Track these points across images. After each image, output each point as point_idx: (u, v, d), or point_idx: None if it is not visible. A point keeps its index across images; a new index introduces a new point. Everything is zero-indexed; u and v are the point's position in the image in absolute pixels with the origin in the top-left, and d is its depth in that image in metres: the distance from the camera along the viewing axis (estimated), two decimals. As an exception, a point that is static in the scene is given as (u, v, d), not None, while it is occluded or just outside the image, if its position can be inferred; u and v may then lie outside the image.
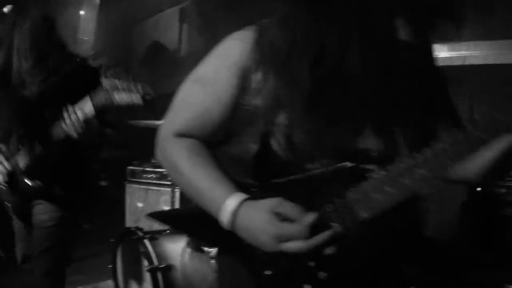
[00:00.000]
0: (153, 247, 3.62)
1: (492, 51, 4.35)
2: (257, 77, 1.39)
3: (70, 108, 2.56)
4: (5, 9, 3.04)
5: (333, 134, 1.33)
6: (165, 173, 5.22)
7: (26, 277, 3.14)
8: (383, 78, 1.31)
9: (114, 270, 4.09)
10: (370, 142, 1.37)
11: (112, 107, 2.46)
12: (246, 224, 1.28)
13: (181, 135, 1.48)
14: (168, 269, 3.46)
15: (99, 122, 2.79)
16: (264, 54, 1.38)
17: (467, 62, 4.34)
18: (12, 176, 2.98)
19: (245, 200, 1.30)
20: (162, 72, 7.24)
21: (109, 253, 4.18)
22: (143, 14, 8.06)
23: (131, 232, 3.87)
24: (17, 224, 3.22)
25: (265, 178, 1.37)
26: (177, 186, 1.36)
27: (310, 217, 1.21)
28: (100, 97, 2.45)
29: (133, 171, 5.95)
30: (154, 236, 3.74)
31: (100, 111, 2.53)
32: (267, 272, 1.34)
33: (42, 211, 3.01)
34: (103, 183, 6.65)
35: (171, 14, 7.79)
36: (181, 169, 1.43)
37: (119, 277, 4.11)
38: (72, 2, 7.62)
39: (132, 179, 5.96)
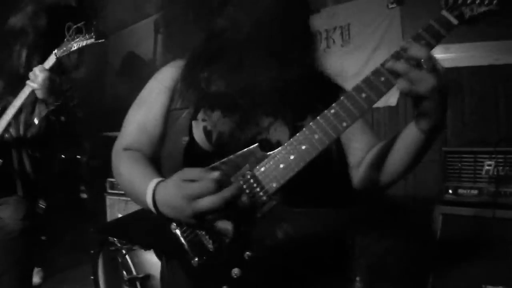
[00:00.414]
0: (131, 257, 3.70)
1: (483, 52, 4.44)
2: (181, 91, 1.69)
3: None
4: None
5: (246, 129, 1.55)
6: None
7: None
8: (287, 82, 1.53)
9: (95, 281, 4.16)
10: (280, 135, 1.56)
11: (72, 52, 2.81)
12: (163, 199, 1.45)
13: (127, 149, 1.74)
14: (146, 279, 3.54)
15: (54, 118, 2.95)
16: (186, 78, 1.70)
17: (458, 64, 4.46)
18: None
19: (161, 181, 1.49)
20: (138, 83, 7.27)
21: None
22: (118, 25, 8.06)
23: (109, 243, 3.95)
24: None
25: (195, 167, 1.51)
26: (120, 188, 1.68)
27: (215, 173, 1.36)
28: (61, 48, 2.78)
29: (112, 183, 5.97)
30: (132, 246, 3.80)
31: (59, 59, 2.83)
32: (194, 261, 1.49)
33: (3, 225, 3.11)
34: (84, 196, 6.71)
35: (146, 25, 7.83)
36: (121, 171, 1.69)
37: (101, 287, 4.17)
38: (48, 10, 7.59)
39: (112, 191, 5.99)
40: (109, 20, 7.20)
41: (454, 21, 1.35)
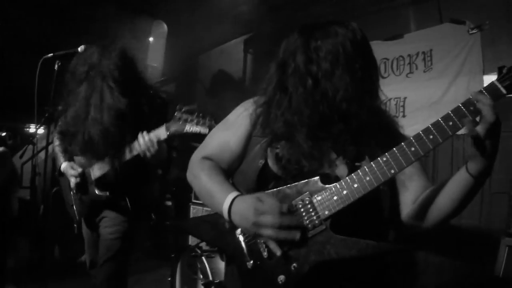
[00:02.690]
0: (209, 264, 3.95)
1: None
2: (262, 123, 1.94)
3: (146, 133, 3.02)
4: (79, 49, 3.47)
5: (313, 163, 1.76)
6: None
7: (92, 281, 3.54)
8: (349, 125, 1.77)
9: (172, 283, 4.42)
10: (340, 171, 1.78)
11: (182, 135, 2.92)
12: (237, 208, 1.73)
13: (207, 158, 2.03)
14: (220, 285, 3.76)
15: (168, 147, 3.21)
16: (268, 113, 1.92)
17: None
18: (83, 184, 3.42)
19: (239, 195, 1.78)
20: (227, 100, 7.52)
21: (168, 268, 4.55)
22: (209, 43, 8.38)
23: (191, 249, 4.23)
24: (86, 233, 3.62)
25: (262, 187, 1.82)
26: (195, 191, 1.98)
27: (284, 205, 1.64)
28: (174, 126, 2.92)
29: (197, 193, 6.21)
30: (211, 254, 4.06)
31: (171, 137, 2.99)
32: (249, 263, 1.78)
33: (108, 225, 3.42)
34: (169, 203, 7.00)
35: (236, 45, 8.11)
36: (200, 176, 1.95)
37: (176, 288, 4.46)
38: (141, 29, 7.97)
39: (196, 201, 6.37)
40: (199, 38, 7.49)
41: (503, 91, 1.52)
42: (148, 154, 3.04)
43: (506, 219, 3.66)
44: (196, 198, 6.32)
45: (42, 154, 4.07)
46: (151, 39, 8.09)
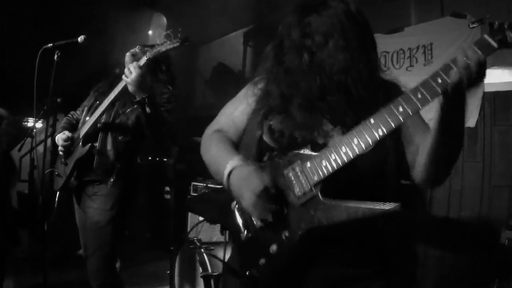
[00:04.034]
0: (209, 256, 3.94)
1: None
2: (260, 95, 2.02)
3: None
4: (79, 39, 3.50)
5: (306, 133, 1.80)
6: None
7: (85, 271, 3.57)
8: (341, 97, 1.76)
9: (171, 276, 4.42)
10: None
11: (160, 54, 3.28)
12: (238, 176, 1.77)
13: (217, 131, 2.14)
14: (219, 277, 3.74)
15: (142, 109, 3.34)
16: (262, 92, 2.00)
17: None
18: (71, 147, 3.61)
19: (240, 165, 1.81)
20: (227, 93, 7.49)
21: (167, 260, 4.55)
22: (209, 36, 8.39)
23: (190, 241, 4.22)
24: (79, 220, 3.69)
25: (259, 159, 1.88)
26: (207, 164, 2.02)
27: (263, 188, 1.67)
28: (150, 51, 3.25)
29: (196, 187, 6.31)
30: (210, 247, 4.06)
31: (150, 60, 3.28)
32: (243, 234, 1.82)
33: (93, 214, 3.49)
34: (167, 196, 7.01)
35: (236, 38, 8.11)
36: (209, 145, 2.09)
37: (175, 282, 4.43)
38: (141, 22, 7.94)
39: (195, 194, 6.28)
40: (199, 30, 7.47)
41: (495, 45, 1.43)
42: (128, 80, 3.20)
43: (507, 212, 3.65)
44: (195, 191, 6.32)
45: (40, 148, 4.08)
46: (150, 32, 8.05)
